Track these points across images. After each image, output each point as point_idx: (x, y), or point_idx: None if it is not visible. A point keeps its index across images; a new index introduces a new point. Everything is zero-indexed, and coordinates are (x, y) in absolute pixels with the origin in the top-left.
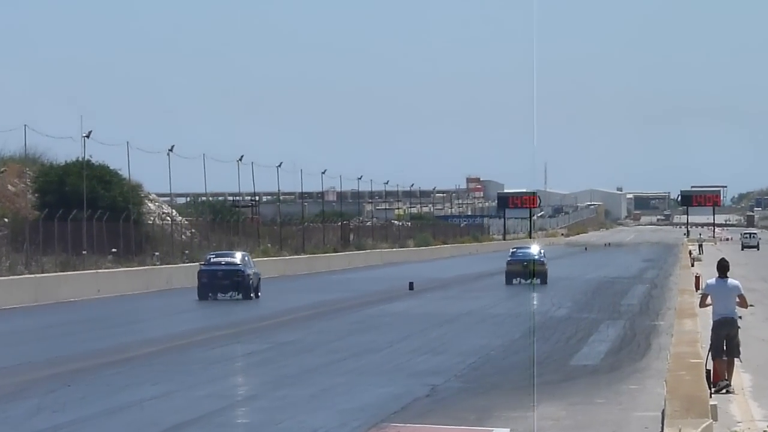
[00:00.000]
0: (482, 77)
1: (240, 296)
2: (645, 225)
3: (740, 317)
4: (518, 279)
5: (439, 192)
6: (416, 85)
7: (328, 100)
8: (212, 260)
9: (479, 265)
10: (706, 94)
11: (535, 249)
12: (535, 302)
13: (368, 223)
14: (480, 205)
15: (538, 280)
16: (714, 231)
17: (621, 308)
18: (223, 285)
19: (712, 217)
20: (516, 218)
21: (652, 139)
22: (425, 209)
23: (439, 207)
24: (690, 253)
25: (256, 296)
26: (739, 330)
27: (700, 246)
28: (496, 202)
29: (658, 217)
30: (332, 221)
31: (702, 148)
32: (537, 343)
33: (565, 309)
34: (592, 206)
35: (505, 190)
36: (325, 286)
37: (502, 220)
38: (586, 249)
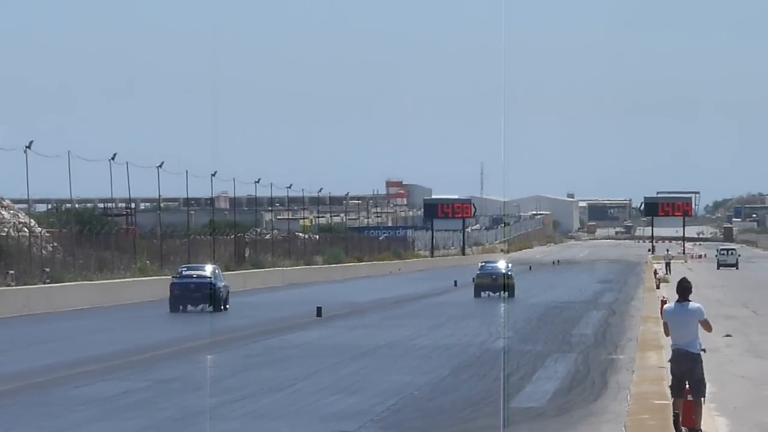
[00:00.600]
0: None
1: (211, 308)
2: (601, 239)
3: (704, 350)
4: (487, 292)
5: (353, 199)
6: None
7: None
8: (184, 273)
9: (402, 287)
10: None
11: (502, 264)
12: (469, 332)
13: (267, 236)
14: (403, 214)
15: (507, 294)
16: (684, 246)
17: (572, 339)
18: (194, 297)
19: (681, 229)
20: (446, 231)
21: (610, 137)
22: (336, 219)
23: (354, 217)
24: (655, 272)
25: (225, 308)
26: (703, 364)
27: (668, 264)
28: (423, 210)
29: (618, 229)
30: (224, 233)
31: (670, 149)
32: (471, 381)
33: (506, 340)
34: (539, 216)
35: (434, 197)
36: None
37: (430, 232)
38: (530, 268)
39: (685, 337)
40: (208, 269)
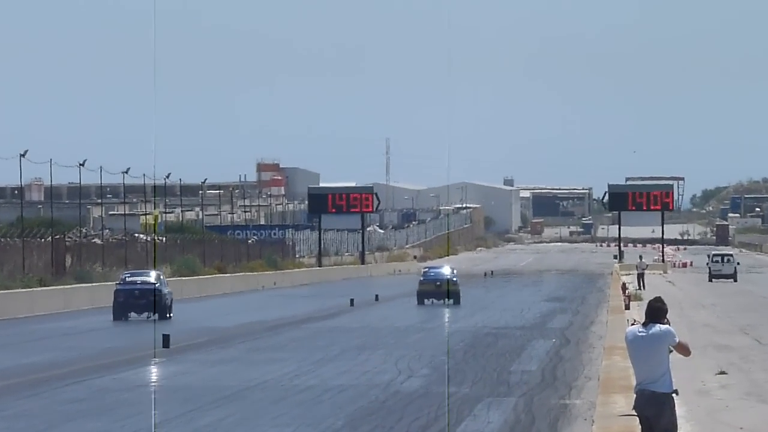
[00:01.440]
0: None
1: (156, 316)
2: (551, 242)
3: (675, 391)
4: (431, 299)
5: (212, 188)
6: (176, 31)
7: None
8: (128, 279)
9: (279, 308)
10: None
11: (447, 270)
12: (371, 367)
13: (96, 239)
14: (280, 208)
15: (452, 301)
16: (663, 251)
17: (511, 377)
18: (139, 305)
19: (659, 228)
20: (339, 230)
21: (562, 106)
22: (190, 215)
23: (213, 212)
24: (624, 287)
25: (169, 316)
26: (675, 408)
27: (641, 276)
28: (307, 203)
29: (573, 228)
30: (37, 235)
31: (642, 121)
32: None
33: (420, 378)
34: (465, 211)
35: (322, 185)
36: (21, 342)
37: (316, 233)
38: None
39: (651, 372)
40: (153, 275)
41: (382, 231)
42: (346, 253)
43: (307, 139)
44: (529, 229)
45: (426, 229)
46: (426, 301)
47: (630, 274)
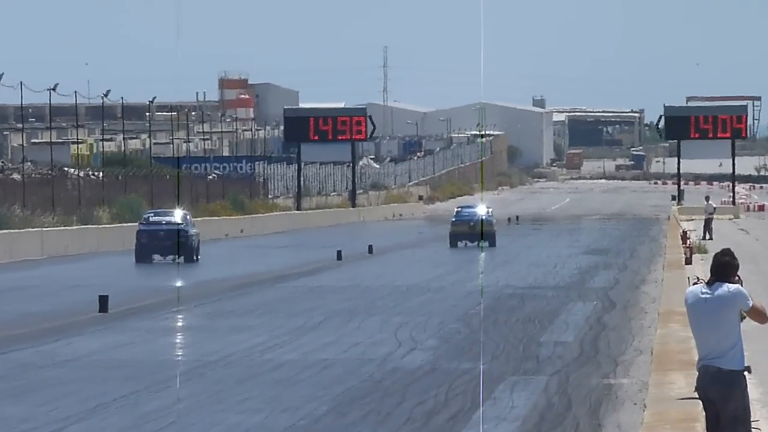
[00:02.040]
0: None
1: (182, 259)
2: (593, 179)
3: (747, 368)
4: (464, 241)
5: (162, 109)
6: None
7: None
8: (151, 219)
9: (247, 262)
10: None
11: (482, 209)
12: (363, 338)
13: (16, 175)
14: (249, 135)
15: (487, 243)
16: (734, 191)
17: (541, 351)
18: (164, 246)
19: (729, 161)
20: (324, 164)
21: (605, 3)
22: (135, 144)
23: (164, 140)
24: (685, 236)
25: (196, 259)
26: (747, 389)
27: (708, 222)
28: (282, 129)
29: (620, 161)
30: None
31: (711, 27)
32: (366, 425)
33: (425, 351)
34: (483, 139)
35: (302, 105)
36: None
37: (295, 166)
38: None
39: (717, 344)
40: (178, 215)
41: (377, 165)
42: (333, 193)
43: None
44: (565, 162)
45: (434, 162)
46: (459, 243)
47: (692, 219)
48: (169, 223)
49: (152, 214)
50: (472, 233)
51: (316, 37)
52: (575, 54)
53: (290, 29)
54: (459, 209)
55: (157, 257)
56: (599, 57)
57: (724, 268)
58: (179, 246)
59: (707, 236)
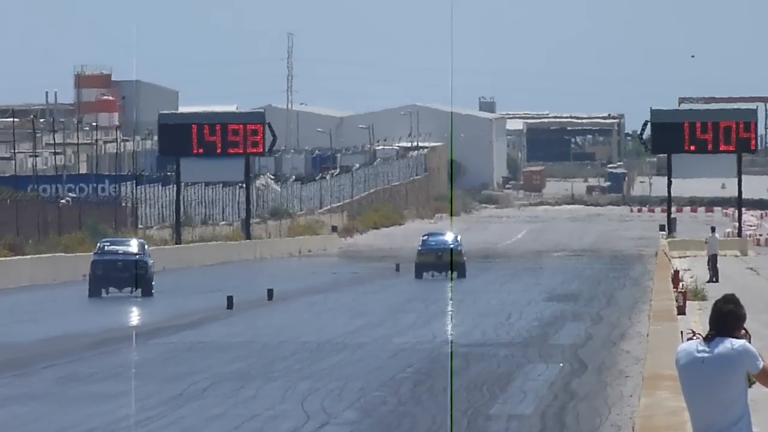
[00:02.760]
0: None
1: (139, 292)
2: (557, 204)
3: None
4: (431, 272)
5: (1, 115)
6: None
7: None
8: (107, 248)
9: (111, 310)
10: None
11: (449, 236)
12: (260, 410)
13: None
14: (113, 148)
15: (455, 273)
16: (740, 219)
17: (491, 426)
18: (121, 278)
19: (734, 180)
20: (210, 185)
21: None
22: None
23: (4, 154)
24: (677, 277)
25: (152, 293)
26: None
27: (713, 261)
28: (157, 140)
29: (593, 180)
30: None
31: (708, 12)
32: None
33: (342, 428)
34: (416, 152)
35: (181, 109)
36: None
37: (173, 188)
38: (398, 268)
39: (717, 414)
40: (135, 244)
41: (279, 186)
42: (222, 222)
43: (156, 34)
44: (522, 182)
45: (353, 182)
46: (425, 274)
47: (686, 256)
48: (126, 253)
49: (108, 243)
50: (440, 263)
51: (198, 22)
52: (535, 43)
53: (166, 12)
54: (425, 237)
55: (112, 290)
56: (566, 47)
57: (727, 319)
58: (137, 278)
59: (714, 278)
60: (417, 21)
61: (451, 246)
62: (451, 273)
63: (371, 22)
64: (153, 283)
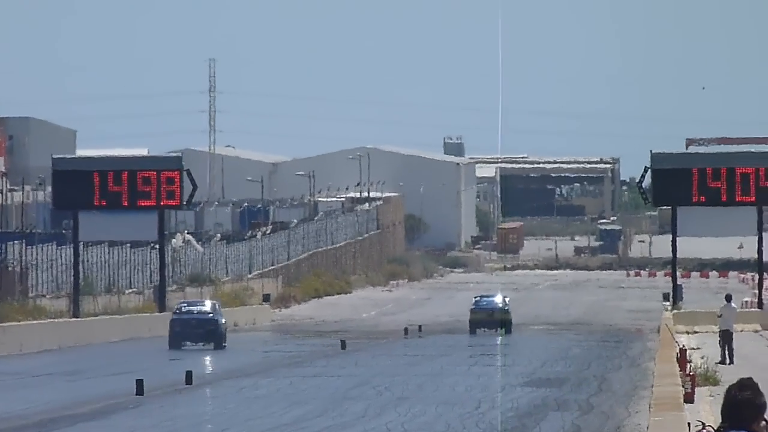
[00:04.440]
0: None
1: (212, 346)
2: (537, 267)
3: None
4: (483, 328)
5: None
6: None
7: None
8: (184, 309)
9: (5, 398)
10: None
11: (499, 298)
12: None
13: None
14: None
15: (504, 330)
16: (760, 287)
17: None
18: (196, 334)
19: (755, 239)
20: (116, 244)
21: (559, 13)
22: None
23: None
24: (684, 357)
25: (224, 346)
26: None
27: (726, 337)
28: (51, 189)
29: (580, 239)
30: None
31: (720, 39)
32: None
33: None
34: (368, 205)
35: (79, 153)
36: None
37: (69, 249)
38: (343, 346)
39: None
40: (208, 304)
41: (200, 246)
42: (130, 290)
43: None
44: (495, 241)
45: (289, 240)
46: (478, 330)
47: (695, 332)
48: (200, 312)
49: (185, 305)
50: (491, 320)
51: (103, 48)
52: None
53: (61, 37)
54: (478, 298)
55: (188, 344)
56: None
57: (743, 408)
58: (209, 334)
59: (727, 359)
60: (368, 46)
61: (500, 306)
62: (502, 329)
63: (312, 48)
64: (225, 337)
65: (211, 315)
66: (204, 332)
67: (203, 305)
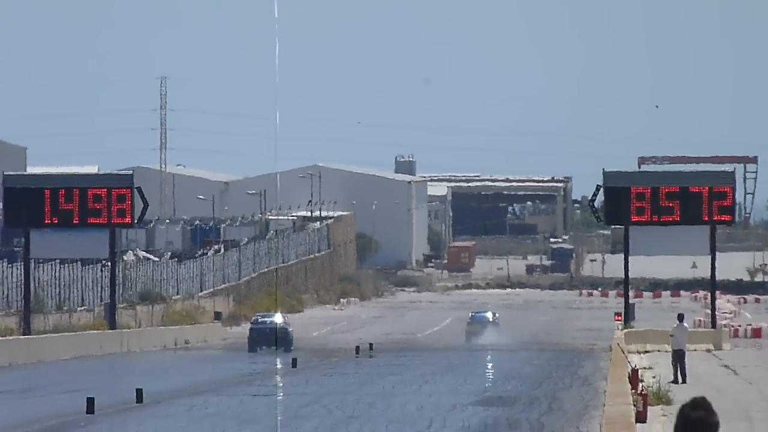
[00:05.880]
0: None
1: (283, 349)
2: (488, 287)
3: None
4: (478, 337)
5: None
6: None
7: None
8: (260, 320)
9: None
10: None
11: (489, 314)
12: None
13: None
14: None
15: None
16: (713, 306)
17: None
18: (269, 340)
19: (706, 258)
20: (66, 262)
21: (510, 10)
22: None
23: None
24: (636, 376)
25: (291, 349)
26: None
27: (678, 357)
28: (1, 207)
29: (532, 258)
30: None
31: (675, 53)
32: None
33: None
34: (318, 224)
35: (30, 170)
36: None
37: (18, 267)
38: (294, 364)
39: None
40: (279, 316)
41: (150, 265)
42: (80, 308)
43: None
44: (446, 260)
45: (240, 258)
46: (474, 339)
47: (647, 351)
48: (272, 322)
49: (260, 316)
50: (483, 331)
51: (53, 65)
52: (461, 92)
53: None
54: (473, 314)
55: (264, 348)
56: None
57: (696, 428)
58: (280, 340)
59: (679, 379)
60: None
61: (491, 320)
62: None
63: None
64: (292, 342)
65: (281, 325)
66: (276, 338)
67: (275, 317)
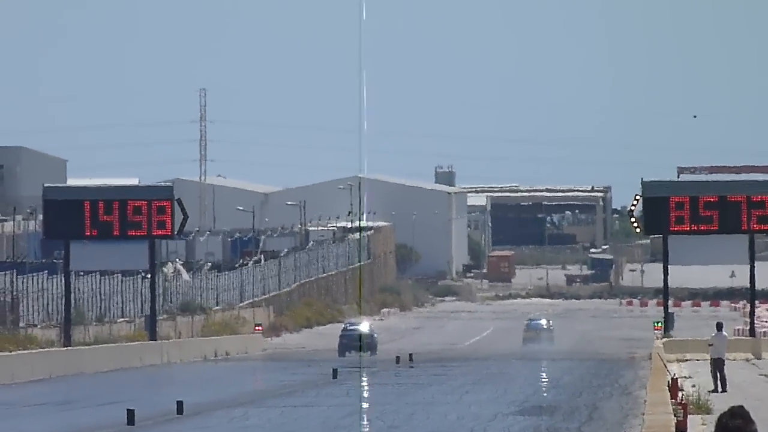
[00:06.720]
0: None
1: (369, 353)
2: (528, 296)
3: None
4: (535, 343)
5: None
6: None
7: None
8: (349, 328)
9: None
10: None
11: (544, 321)
12: None
13: None
14: None
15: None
16: (752, 315)
17: None
18: (357, 345)
19: (747, 267)
20: (106, 274)
21: (550, 26)
22: None
23: None
24: (676, 385)
25: (376, 353)
26: None
27: (718, 365)
28: (42, 219)
29: (572, 268)
30: None
31: (713, 64)
32: None
33: None
34: (358, 234)
35: (70, 182)
36: None
37: (59, 278)
38: (335, 375)
39: None
40: (366, 324)
41: (190, 276)
42: (121, 319)
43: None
44: (486, 270)
45: (281, 270)
46: (531, 344)
47: (686, 360)
48: (360, 329)
49: (349, 324)
50: (538, 338)
51: (94, 77)
52: (501, 103)
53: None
54: (528, 320)
55: (352, 352)
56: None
57: None
58: (367, 345)
59: (719, 388)
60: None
61: (545, 326)
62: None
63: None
64: (377, 347)
65: (368, 332)
66: (363, 344)
67: (362, 324)
